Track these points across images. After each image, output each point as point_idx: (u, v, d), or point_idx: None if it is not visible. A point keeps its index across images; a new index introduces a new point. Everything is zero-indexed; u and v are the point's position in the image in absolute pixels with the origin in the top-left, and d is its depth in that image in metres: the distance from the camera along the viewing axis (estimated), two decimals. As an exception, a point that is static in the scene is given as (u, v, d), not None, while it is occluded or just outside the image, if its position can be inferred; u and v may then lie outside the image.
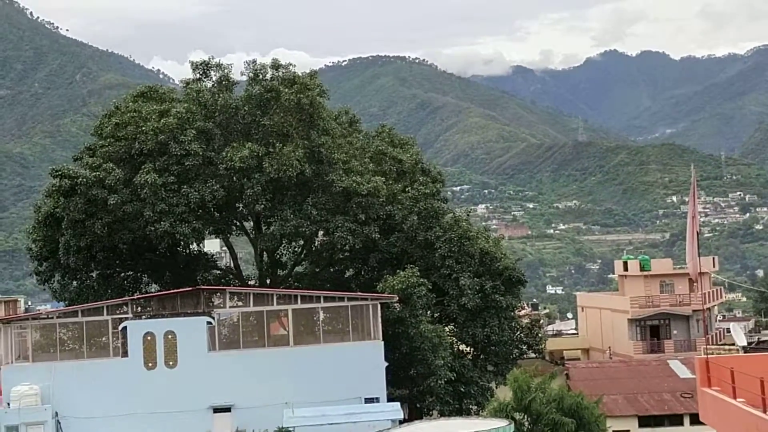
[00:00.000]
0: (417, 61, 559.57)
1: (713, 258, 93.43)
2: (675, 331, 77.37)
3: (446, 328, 55.55)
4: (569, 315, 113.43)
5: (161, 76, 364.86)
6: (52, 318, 46.04)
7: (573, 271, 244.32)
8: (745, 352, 29.35)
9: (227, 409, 43.01)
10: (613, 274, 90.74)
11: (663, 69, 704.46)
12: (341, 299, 46.53)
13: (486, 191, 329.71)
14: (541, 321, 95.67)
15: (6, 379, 43.26)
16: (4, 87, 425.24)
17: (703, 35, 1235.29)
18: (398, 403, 42.09)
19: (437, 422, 30.13)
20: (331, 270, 60.16)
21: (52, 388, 42.29)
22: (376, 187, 55.55)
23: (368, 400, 42.43)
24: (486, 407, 50.87)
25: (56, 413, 42.01)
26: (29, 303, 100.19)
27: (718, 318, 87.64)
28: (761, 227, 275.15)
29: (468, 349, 58.65)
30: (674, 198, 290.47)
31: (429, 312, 53.21)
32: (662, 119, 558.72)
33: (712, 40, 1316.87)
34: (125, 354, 43.32)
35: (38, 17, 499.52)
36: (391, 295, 48.06)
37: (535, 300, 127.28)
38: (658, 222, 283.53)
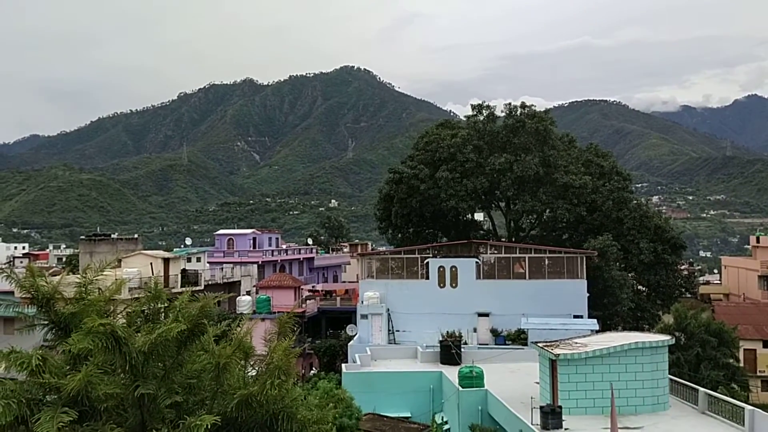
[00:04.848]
0: (614, 102, 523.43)
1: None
2: (793, 286, 68.15)
3: (629, 275, 52.25)
4: (715, 271, 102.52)
5: (452, 113, 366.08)
6: (386, 255, 48.01)
7: (719, 242, 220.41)
8: None
9: (486, 314, 42.95)
10: (748, 245, 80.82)
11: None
12: (560, 252, 44.95)
13: (659, 187, 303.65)
14: (696, 273, 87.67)
15: (361, 288, 45.68)
16: (362, 121, 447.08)
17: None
18: (595, 320, 40.18)
19: (621, 333, 28.41)
20: (554, 234, 58.34)
21: (386, 295, 44.14)
22: (585, 183, 53.27)
23: (576, 317, 40.84)
24: (655, 327, 47.63)
25: (387, 309, 43.83)
26: (374, 245, 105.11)
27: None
28: None
29: (644, 289, 54.96)
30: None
31: (617, 263, 50.23)
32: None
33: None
34: (427, 278, 44.27)
35: (383, 80, 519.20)
36: (593, 251, 45.79)
37: (691, 260, 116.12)
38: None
